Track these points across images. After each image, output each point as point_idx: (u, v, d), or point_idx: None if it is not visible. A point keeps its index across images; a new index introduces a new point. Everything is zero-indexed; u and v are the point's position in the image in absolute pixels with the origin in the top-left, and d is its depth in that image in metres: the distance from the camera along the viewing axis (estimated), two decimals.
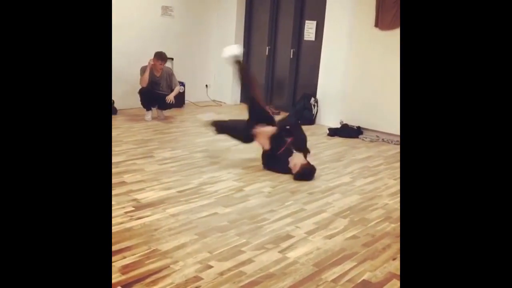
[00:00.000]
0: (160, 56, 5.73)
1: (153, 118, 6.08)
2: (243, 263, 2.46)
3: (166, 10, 6.77)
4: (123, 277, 2.24)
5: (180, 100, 6.60)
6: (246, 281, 2.28)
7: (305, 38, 6.83)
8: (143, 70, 5.80)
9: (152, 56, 5.81)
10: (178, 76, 6.92)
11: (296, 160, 4.00)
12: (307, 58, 6.88)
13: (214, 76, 7.73)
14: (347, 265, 2.52)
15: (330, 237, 2.87)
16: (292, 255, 2.59)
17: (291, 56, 7.02)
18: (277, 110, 7.00)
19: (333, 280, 2.35)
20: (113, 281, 2.19)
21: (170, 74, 5.96)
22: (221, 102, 7.66)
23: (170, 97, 5.83)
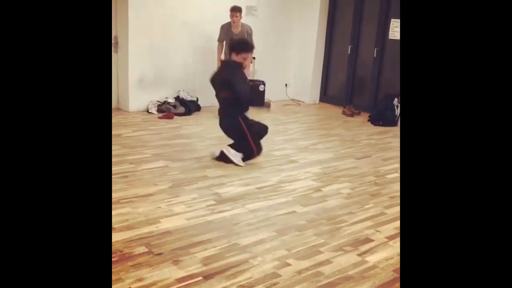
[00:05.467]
0: (236, 8, 5.66)
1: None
2: (321, 264, 2.45)
3: (250, 10, 6.89)
4: (205, 268, 2.33)
5: (260, 99, 6.70)
6: (324, 282, 2.27)
7: (390, 37, 6.61)
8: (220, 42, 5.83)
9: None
10: (259, 74, 7.04)
11: None
12: (391, 57, 6.65)
13: (294, 75, 7.75)
14: None
15: None
16: (371, 259, 2.53)
17: (375, 55, 6.83)
18: (358, 110, 6.84)
19: None
20: (195, 271, 2.29)
21: (249, 34, 5.83)
22: (300, 101, 7.66)
23: (248, 71, 5.59)
